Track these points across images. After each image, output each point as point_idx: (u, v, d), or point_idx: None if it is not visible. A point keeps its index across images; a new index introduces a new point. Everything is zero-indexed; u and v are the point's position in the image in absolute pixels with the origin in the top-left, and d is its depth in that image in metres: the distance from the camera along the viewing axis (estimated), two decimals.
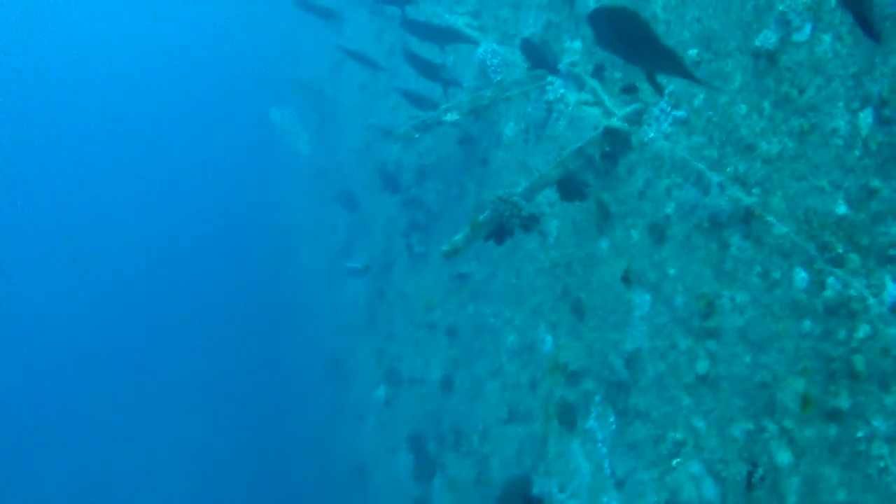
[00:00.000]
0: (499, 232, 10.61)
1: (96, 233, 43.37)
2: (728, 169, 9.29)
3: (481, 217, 10.52)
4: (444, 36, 15.12)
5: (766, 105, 8.82)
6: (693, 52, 9.85)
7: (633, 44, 7.84)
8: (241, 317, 37.02)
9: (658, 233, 10.40)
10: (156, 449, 35.47)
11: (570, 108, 12.45)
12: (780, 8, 8.58)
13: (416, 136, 14.00)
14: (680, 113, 10.15)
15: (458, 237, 10.41)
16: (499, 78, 14.73)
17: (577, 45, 13.09)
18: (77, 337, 39.36)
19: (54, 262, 42.56)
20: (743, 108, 9.14)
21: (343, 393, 25.98)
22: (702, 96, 9.79)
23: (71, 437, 36.82)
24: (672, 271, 10.19)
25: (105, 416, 36.77)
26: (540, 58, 11.69)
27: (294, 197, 31.90)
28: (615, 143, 11.03)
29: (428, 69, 15.00)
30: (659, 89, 8.24)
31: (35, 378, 38.72)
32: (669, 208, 10.26)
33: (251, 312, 36.41)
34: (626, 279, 11.04)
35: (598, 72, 12.33)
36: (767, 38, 8.75)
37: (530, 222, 10.44)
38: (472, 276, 15.94)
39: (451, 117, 13.44)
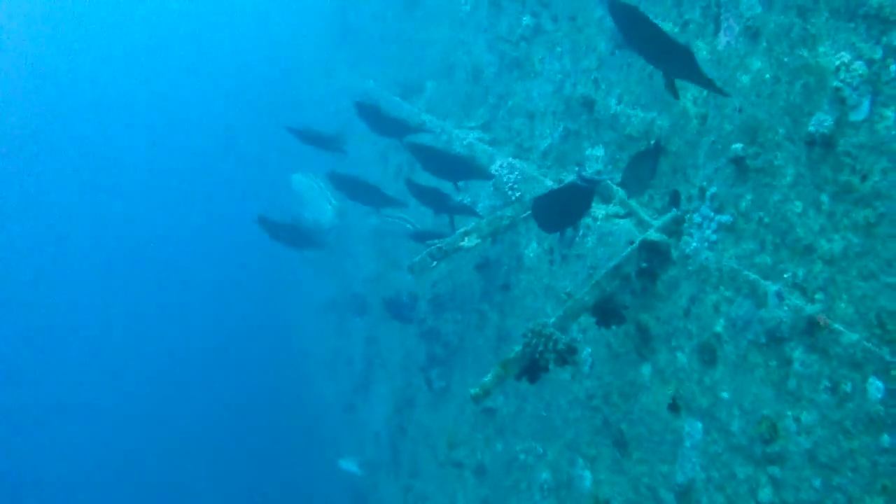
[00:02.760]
0: (532, 368, 9.52)
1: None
2: (785, 275, 8.30)
3: (512, 353, 9.45)
4: (458, 167, 13.95)
5: (825, 198, 7.83)
6: (738, 146, 8.83)
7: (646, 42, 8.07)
8: (256, 444, 36.12)
9: (708, 353, 9.37)
10: None
11: (598, 223, 11.47)
12: (834, 84, 7.58)
13: (433, 265, 12.98)
14: (725, 217, 9.14)
15: (488, 378, 9.36)
16: (517, 195, 13.78)
17: (600, 151, 12.20)
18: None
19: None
20: (798, 205, 8.14)
21: None
22: (749, 197, 8.79)
23: None
24: (726, 395, 9.15)
25: None
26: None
27: (307, 325, 31.18)
28: (653, 258, 10.04)
29: (435, 199, 13.95)
30: (675, 93, 8.50)
31: None
32: (719, 326, 9.22)
33: (266, 442, 35.53)
34: (673, 407, 10.01)
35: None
36: (821, 121, 7.74)
37: (567, 355, 9.33)
38: (498, 410, 14.89)
39: (469, 242, 12.46)
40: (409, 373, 19.87)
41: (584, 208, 10.16)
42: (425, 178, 14.32)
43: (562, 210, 10.12)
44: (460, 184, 14.51)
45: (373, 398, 23.22)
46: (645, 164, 10.12)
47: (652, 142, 10.49)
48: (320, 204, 20.32)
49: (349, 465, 25.24)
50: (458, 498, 17.00)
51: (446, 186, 13.93)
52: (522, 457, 14.12)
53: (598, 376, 11.70)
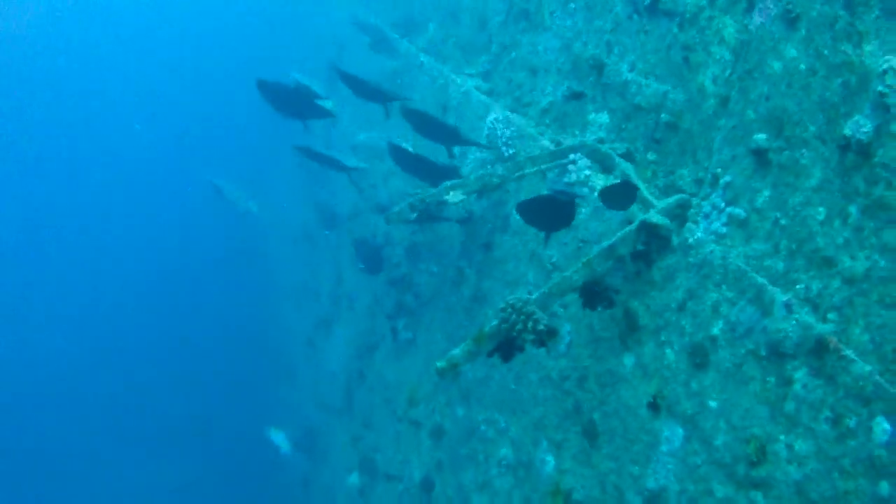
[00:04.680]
0: (507, 346, 8.84)
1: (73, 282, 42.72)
2: (798, 286, 7.66)
3: (487, 327, 8.77)
4: (452, 136, 13.38)
5: (853, 210, 7.18)
6: (761, 136, 8.12)
7: None
8: (213, 372, 35.98)
9: (700, 355, 8.73)
10: None
11: (595, 194, 10.72)
12: (879, 88, 6.86)
13: (413, 216, 12.33)
14: (737, 211, 8.47)
15: (457, 352, 8.69)
16: (511, 152, 13.06)
17: (604, 118, 11.50)
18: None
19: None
20: (821, 212, 7.49)
21: (316, 469, 24.63)
22: (767, 193, 8.09)
23: None
24: (714, 404, 8.54)
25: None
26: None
27: (279, 255, 30.71)
28: (651, 242, 9.34)
29: (419, 166, 13.53)
30: None
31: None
32: (716, 328, 8.57)
33: (224, 370, 35.34)
34: (653, 405, 9.40)
35: (629, 153, 10.67)
36: (860, 125, 7.04)
37: (546, 337, 8.66)
38: (464, 374, 14.25)
39: (454, 197, 11.77)
40: (375, 318, 19.25)
41: (566, 219, 9.82)
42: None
43: (545, 216, 9.83)
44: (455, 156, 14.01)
45: (334, 338, 22.65)
46: (623, 195, 9.54)
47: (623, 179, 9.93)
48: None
49: (279, 438, 24.74)
50: (411, 457, 16.46)
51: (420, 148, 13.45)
52: (483, 427, 13.55)
53: (575, 357, 11.04)
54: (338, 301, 22.64)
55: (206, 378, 36.01)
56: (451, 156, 13.57)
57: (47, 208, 44.82)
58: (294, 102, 14.14)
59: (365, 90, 14.34)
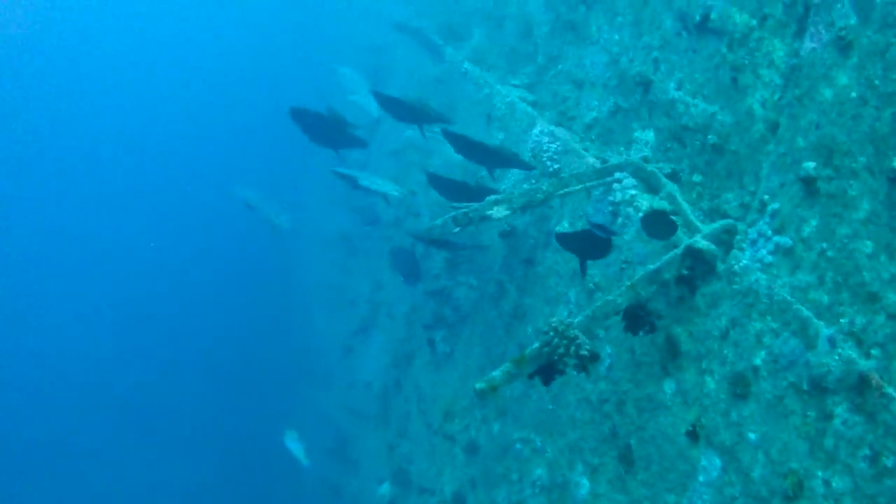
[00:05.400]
0: (547, 370, 8.68)
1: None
2: (842, 321, 7.44)
3: (528, 351, 8.63)
4: (494, 157, 13.31)
5: None
6: (809, 164, 7.93)
7: None
8: (246, 374, 36.26)
9: (741, 386, 8.54)
10: None
11: (640, 214, 10.55)
12: None
13: (456, 230, 12.19)
14: (784, 240, 8.28)
15: (497, 374, 8.55)
16: (556, 167, 12.91)
17: (650, 136, 11.33)
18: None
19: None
20: (868, 245, 7.29)
21: (346, 477, 24.42)
22: (815, 223, 7.90)
23: None
24: (753, 436, 8.34)
25: None
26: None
27: (315, 260, 30.63)
28: (696, 267, 9.15)
29: (459, 191, 13.42)
30: None
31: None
32: (759, 358, 8.37)
33: (258, 373, 35.56)
34: (692, 434, 9.20)
35: (674, 173, 10.50)
36: None
37: (588, 363, 8.50)
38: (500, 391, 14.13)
39: (498, 213, 11.62)
40: (413, 328, 19.12)
41: (602, 253, 10.11)
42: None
43: (583, 247, 10.10)
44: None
45: (371, 345, 22.53)
46: (665, 224, 9.46)
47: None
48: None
49: (295, 446, 24.49)
50: (444, 472, 16.36)
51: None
52: (519, 446, 13.40)
53: (615, 381, 10.90)
54: (376, 308, 22.53)
55: (235, 382, 36.24)
56: (493, 177, 13.48)
57: (85, 215, 45.23)
58: (327, 131, 14.04)
59: (403, 112, 14.21)
